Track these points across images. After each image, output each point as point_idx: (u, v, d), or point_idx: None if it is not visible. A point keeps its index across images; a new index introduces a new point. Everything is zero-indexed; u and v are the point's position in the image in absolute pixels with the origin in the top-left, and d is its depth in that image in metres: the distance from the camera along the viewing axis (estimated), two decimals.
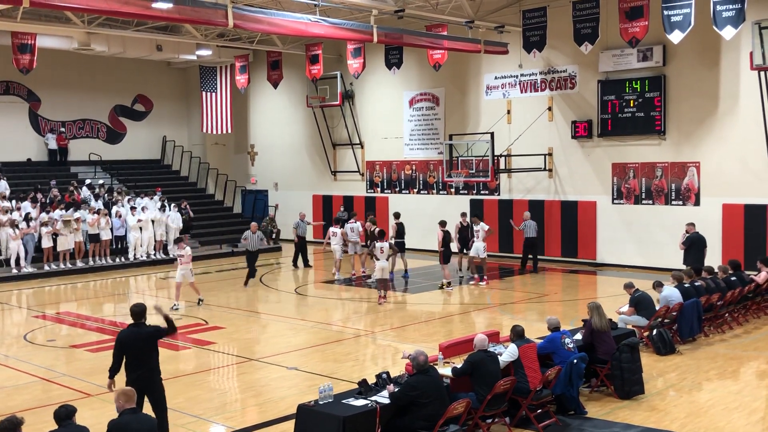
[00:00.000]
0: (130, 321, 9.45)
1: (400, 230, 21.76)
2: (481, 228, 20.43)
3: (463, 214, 22.25)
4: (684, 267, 16.47)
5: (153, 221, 25.93)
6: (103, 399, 11.07)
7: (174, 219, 26.53)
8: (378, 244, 18.29)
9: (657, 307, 13.48)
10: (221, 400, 11.31)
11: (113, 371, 9.17)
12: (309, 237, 25.74)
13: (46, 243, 23.48)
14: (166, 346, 14.43)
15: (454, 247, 21.00)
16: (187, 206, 27.80)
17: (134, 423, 7.13)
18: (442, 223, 20.54)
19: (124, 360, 9.08)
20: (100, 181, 29.09)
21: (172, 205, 27.04)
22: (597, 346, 10.95)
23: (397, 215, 22.39)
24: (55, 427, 6.89)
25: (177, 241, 20.40)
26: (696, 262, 17.20)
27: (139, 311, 9.32)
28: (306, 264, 24.38)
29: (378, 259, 18.13)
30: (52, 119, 30.97)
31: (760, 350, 13.36)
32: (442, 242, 20.18)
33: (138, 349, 9.08)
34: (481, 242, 20.32)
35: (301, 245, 24.23)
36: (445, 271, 20.26)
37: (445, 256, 20.19)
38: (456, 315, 17.41)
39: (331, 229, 22.36)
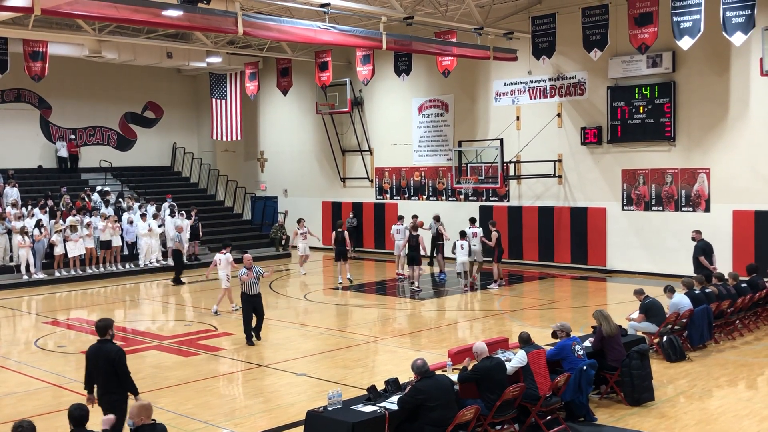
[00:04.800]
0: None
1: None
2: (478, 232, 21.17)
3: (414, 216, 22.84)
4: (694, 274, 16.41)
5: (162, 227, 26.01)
6: None
7: (182, 226, 26.48)
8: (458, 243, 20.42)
9: (667, 314, 13.44)
10: (230, 406, 11.33)
11: (85, 385, 8.85)
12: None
13: (58, 250, 23.59)
14: (175, 352, 14.51)
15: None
16: (193, 213, 27.50)
17: None
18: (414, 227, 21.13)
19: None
20: (107, 188, 29.17)
21: (182, 212, 27.05)
22: (607, 352, 10.93)
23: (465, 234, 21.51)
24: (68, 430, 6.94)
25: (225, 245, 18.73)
26: (705, 268, 17.10)
27: (101, 326, 8.73)
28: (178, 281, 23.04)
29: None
30: (63, 126, 31.14)
31: None
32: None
33: (98, 367, 8.61)
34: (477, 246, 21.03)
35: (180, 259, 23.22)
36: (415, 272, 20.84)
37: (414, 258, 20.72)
38: (466, 321, 17.40)
39: (394, 227, 23.20)
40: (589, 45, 20.66)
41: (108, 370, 8.53)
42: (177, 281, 22.92)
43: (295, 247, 25.47)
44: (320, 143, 31.15)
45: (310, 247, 24.88)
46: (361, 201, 29.71)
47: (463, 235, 20.68)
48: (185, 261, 24.34)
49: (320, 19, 19.48)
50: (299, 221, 24.91)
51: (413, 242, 20.55)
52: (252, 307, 14.98)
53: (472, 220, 21.60)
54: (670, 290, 13.85)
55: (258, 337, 15.14)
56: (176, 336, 15.97)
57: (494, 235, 20.79)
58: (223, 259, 18.16)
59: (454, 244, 21.03)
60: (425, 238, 22.20)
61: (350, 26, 20.51)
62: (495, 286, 20.86)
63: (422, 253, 21.05)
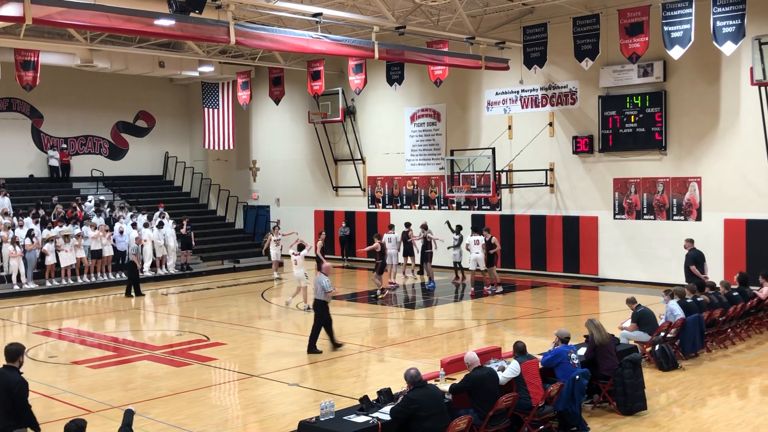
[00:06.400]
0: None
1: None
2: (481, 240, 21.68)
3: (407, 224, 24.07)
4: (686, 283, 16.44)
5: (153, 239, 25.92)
6: (104, 416, 11.07)
7: (170, 235, 26.42)
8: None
9: (659, 323, 13.45)
10: (222, 417, 11.28)
11: None
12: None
13: (50, 259, 23.48)
14: (167, 362, 14.45)
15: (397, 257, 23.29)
16: (185, 223, 27.33)
17: None
18: (379, 236, 21.66)
19: None
20: (101, 197, 29.09)
21: (171, 221, 26.97)
22: (599, 361, 10.93)
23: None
24: None
25: (300, 248, 19.39)
26: (697, 277, 17.14)
27: (11, 350, 8.02)
28: (138, 293, 22.61)
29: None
30: (55, 135, 31.06)
31: (762, 366, 13.32)
32: (379, 254, 21.20)
33: (1, 396, 7.81)
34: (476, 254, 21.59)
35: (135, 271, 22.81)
36: (383, 280, 21.36)
37: (381, 266, 21.20)
38: (458, 331, 17.37)
39: (386, 236, 23.20)
40: (581, 54, 20.74)
41: (7, 402, 7.75)
42: (128, 294, 22.42)
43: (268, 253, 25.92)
44: (312, 152, 31.15)
45: (283, 255, 25.82)
46: (353, 210, 29.70)
47: (458, 231, 22.75)
48: (139, 274, 23.51)
49: (312, 29, 19.51)
50: (274, 228, 24.83)
51: (381, 250, 21.22)
52: (326, 314, 15.05)
53: (475, 228, 22.46)
54: (670, 295, 13.86)
55: (338, 344, 15.15)
56: (168, 346, 15.91)
57: (494, 240, 21.45)
58: (299, 259, 19.09)
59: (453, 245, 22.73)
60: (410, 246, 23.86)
61: (342, 36, 20.55)
62: (492, 290, 21.42)
63: (388, 260, 22.16)
